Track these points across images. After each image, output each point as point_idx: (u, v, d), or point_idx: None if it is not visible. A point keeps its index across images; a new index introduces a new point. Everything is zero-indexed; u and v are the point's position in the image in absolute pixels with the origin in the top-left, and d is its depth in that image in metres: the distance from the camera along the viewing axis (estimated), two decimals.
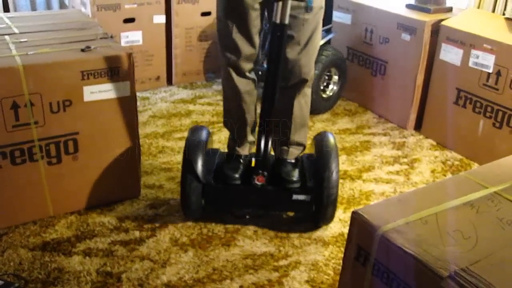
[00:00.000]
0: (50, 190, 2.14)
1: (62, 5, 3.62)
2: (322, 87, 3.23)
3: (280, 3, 1.82)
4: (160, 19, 3.38)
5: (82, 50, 2.08)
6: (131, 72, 2.12)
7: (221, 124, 3.04)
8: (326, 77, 3.27)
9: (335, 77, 3.31)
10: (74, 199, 2.21)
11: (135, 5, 3.25)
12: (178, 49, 3.54)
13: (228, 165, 2.16)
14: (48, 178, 2.11)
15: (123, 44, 3.27)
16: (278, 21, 1.85)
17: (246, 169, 2.15)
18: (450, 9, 3.06)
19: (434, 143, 3.00)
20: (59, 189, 2.16)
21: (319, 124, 3.16)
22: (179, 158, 2.68)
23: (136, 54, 3.31)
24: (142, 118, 3.07)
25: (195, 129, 2.20)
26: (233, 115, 2.19)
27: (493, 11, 2.95)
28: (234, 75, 2.07)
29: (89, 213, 2.23)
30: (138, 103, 2.35)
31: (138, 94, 2.88)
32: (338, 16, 3.44)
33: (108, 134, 2.16)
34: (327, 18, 3.75)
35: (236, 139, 2.21)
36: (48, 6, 3.62)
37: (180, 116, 3.17)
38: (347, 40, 3.43)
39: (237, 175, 2.11)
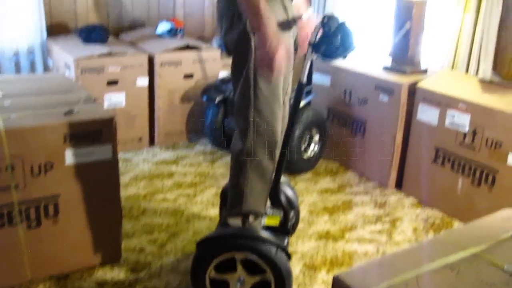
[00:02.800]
0: (29, 254, 2.10)
1: (46, 68, 3.67)
2: (303, 148, 3.27)
3: (309, 63, 1.89)
4: (143, 81, 3.44)
5: (65, 114, 2.10)
6: (113, 135, 2.14)
7: (204, 185, 3.06)
8: (308, 138, 3.31)
9: (316, 137, 3.35)
10: (53, 263, 2.17)
11: (119, 68, 3.31)
12: (160, 111, 3.58)
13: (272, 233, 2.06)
14: (27, 242, 2.08)
15: (106, 106, 3.31)
16: (305, 80, 1.92)
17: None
18: (425, 71, 3.16)
19: (415, 201, 3.03)
20: (38, 253, 2.12)
21: (302, 183, 3.18)
22: (161, 220, 2.67)
23: (118, 116, 3.33)
24: (124, 179, 3.06)
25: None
26: (263, 194, 2.04)
27: (466, 71, 3.05)
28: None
29: (68, 277, 2.19)
30: (120, 165, 2.35)
31: (120, 155, 2.89)
32: (318, 78, 3.53)
33: (89, 197, 2.15)
34: (308, 80, 3.85)
35: (263, 212, 2.07)
36: (32, 68, 3.66)
37: (162, 177, 3.17)
38: (327, 101, 3.50)
39: (285, 242, 2.12)
